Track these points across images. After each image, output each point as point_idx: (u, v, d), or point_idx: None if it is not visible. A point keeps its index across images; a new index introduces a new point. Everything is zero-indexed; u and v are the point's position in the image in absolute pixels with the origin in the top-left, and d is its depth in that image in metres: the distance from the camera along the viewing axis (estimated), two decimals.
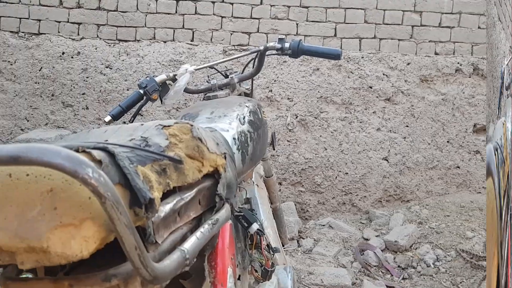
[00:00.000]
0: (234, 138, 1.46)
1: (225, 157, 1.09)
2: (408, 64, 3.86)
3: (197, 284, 1.01)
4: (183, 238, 0.88)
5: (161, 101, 1.86)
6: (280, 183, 3.78)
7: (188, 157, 0.93)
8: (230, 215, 1.03)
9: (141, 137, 0.87)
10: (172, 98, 1.90)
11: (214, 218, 0.96)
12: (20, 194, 0.62)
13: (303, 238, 3.37)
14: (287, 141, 3.84)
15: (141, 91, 1.78)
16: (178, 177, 0.87)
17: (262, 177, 2.23)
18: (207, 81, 2.04)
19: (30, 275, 0.78)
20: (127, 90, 3.88)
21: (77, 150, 0.66)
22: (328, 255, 3.06)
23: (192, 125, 0.98)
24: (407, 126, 3.87)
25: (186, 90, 2.00)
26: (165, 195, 0.82)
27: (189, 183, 0.92)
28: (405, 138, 3.88)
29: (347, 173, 3.85)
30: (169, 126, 0.94)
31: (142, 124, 0.98)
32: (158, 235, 0.77)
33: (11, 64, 3.92)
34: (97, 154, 0.66)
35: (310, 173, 3.84)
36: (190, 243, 0.82)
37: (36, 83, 3.93)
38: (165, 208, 0.82)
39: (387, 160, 3.87)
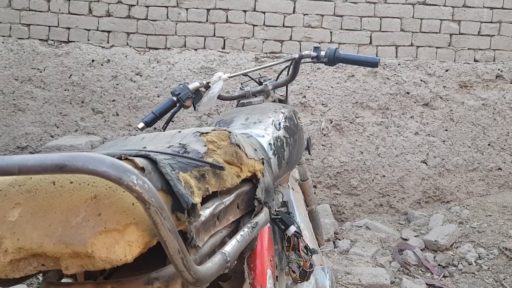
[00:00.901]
0: (270, 144, 1.46)
1: (262, 162, 1.10)
2: (447, 70, 3.81)
3: (236, 286, 1.01)
4: (223, 242, 0.89)
5: (195, 108, 1.87)
6: (315, 186, 3.76)
7: (226, 163, 0.94)
8: (269, 218, 1.03)
9: (179, 144, 0.89)
10: (205, 105, 1.91)
11: (253, 221, 0.96)
12: (64, 201, 0.64)
13: (340, 239, 3.34)
14: (322, 145, 3.82)
15: (174, 98, 1.80)
16: (217, 182, 0.88)
17: (298, 180, 2.23)
18: (240, 88, 2.05)
19: (70, 280, 0.80)
20: (158, 97, 3.94)
21: (120, 158, 0.68)
22: (365, 255, 3.02)
23: (230, 132, 0.99)
24: (446, 130, 3.81)
25: (220, 97, 2.01)
26: (205, 200, 0.83)
27: (228, 188, 0.92)
28: (444, 141, 3.81)
29: (384, 176, 3.80)
30: (207, 133, 0.95)
31: (179, 131, 1.00)
32: (199, 238, 0.78)
33: (41, 72, 4.03)
34: (140, 161, 0.68)
35: (345, 176, 3.81)
36: (231, 246, 0.82)
37: (65, 90, 4.02)
38: (205, 213, 0.83)
39: (425, 163, 3.80)
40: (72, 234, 0.61)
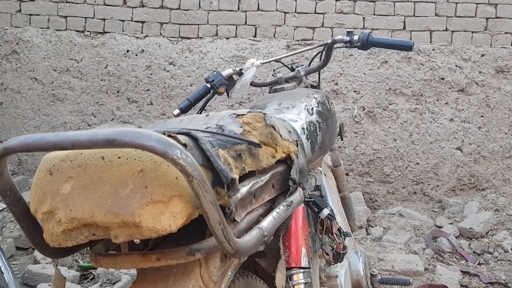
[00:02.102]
0: (303, 128, 1.47)
1: (297, 144, 1.12)
2: (483, 55, 3.72)
3: (272, 263, 1.04)
4: (258, 220, 0.92)
5: (228, 94, 1.90)
6: (347, 174, 3.76)
7: (262, 144, 0.96)
8: (303, 198, 1.05)
9: (216, 125, 0.92)
10: (238, 92, 1.94)
11: (288, 200, 0.99)
12: (113, 174, 0.68)
13: (372, 227, 3.34)
14: (354, 132, 3.81)
15: (208, 85, 1.83)
16: (253, 162, 0.91)
17: (330, 167, 2.24)
18: (272, 75, 2.06)
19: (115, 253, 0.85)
20: (190, 86, 3.99)
21: (163, 134, 0.72)
22: (398, 242, 3.01)
23: (265, 114, 1.01)
24: (482, 116, 3.73)
25: (252, 84, 2.04)
26: (241, 179, 0.86)
27: (263, 168, 0.95)
28: (480, 128, 3.73)
29: (418, 163, 3.76)
30: (242, 114, 0.98)
31: (215, 114, 1.03)
32: (237, 214, 0.81)
33: (78, 62, 4.14)
34: (182, 138, 0.71)
35: (378, 163, 3.79)
36: (267, 222, 0.85)
37: (102, 80, 4.13)
38: (242, 190, 0.86)
39: (460, 150, 3.74)
40: (121, 205, 0.66)
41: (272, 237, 0.90)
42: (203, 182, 0.64)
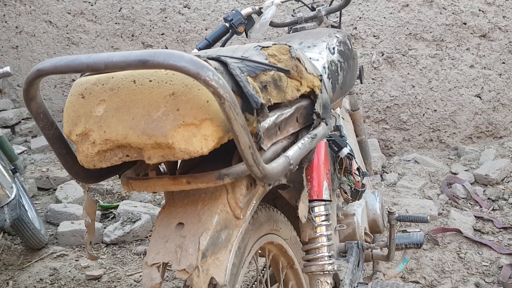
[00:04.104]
0: (324, 67, 1.46)
1: (321, 79, 1.11)
2: None
3: (294, 194, 1.06)
4: (283, 151, 0.93)
5: (246, 34, 1.88)
6: (363, 121, 3.74)
7: (286, 77, 0.96)
8: (326, 133, 1.06)
9: (242, 56, 0.92)
10: (257, 32, 1.91)
11: (312, 133, 1.00)
12: (145, 97, 0.69)
13: (387, 173, 3.36)
14: (372, 79, 3.76)
15: (227, 25, 1.80)
16: (278, 94, 0.91)
17: (348, 111, 2.23)
18: (292, 15, 2.03)
19: None
20: (206, 30, 3.93)
21: None
22: (413, 188, 3.04)
23: (290, 46, 1.00)
24: (503, 63, 3.64)
25: (272, 24, 2.00)
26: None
27: (288, 100, 0.96)
28: (500, 75, 3.65)
29: (435, 110, 3.72)
30: (267, 47, 0.97)
31: (240, 46, 1.03)
32: (263, 143, 0.82)
33: (92, 5, 4.09)
34: (212, 63, 0.71)
35: (395, 110, 3.76)
36: (293, 151, 0.86)
37: (116, 23, 4.08)
38: (268, 121, 0.87)
39: (479, 97, 3.68)
40: (154, 127, 0.67)
41: (296, 167, 0.91)
42: (234, 105, 0.64)
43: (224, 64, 0.73)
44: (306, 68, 1.02)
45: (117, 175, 0.89)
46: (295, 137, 1.02)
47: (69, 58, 0.65)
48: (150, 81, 0.69)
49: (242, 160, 0.74)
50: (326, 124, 1.11)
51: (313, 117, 1.05)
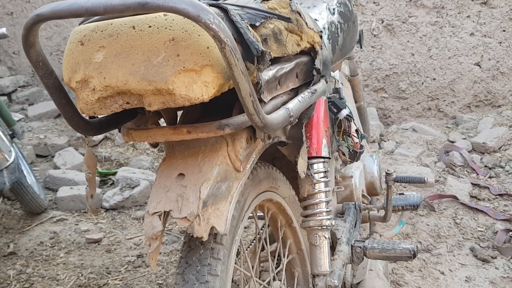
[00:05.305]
0: (324, 28, 1.45)
1: (321, 36, 1.11)
2: None
3: (294, 151, 1.07)
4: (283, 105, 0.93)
5: None
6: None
7: (287, 31, 0.95)
8: (326, 90, 1.06)
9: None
10: None
11: (312, 88, 0.99)
12: (144, 43, 0.68)
13: (385, 141, 3.36)
14: (371, 47, 3.73)
15: None
16: (278, 48, 0.90)
17: (347, 76, 2.22)
18: None
19: None
20: None
21: None
22: (410, 156, 3.05)
23: (290, 0, 0.99)
24: (504, 30, 3.61)
25: None
26: None
27: (288, 55, 0.95)
28: (500, 43, 3.63)
29: (434, 79, 3.70)
30: (268, 0, 0.96)
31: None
32: (263, 95, 0.82)
33: None
34: (212, 9, 0.70)
35: (394, 79, 3.74)
36: (293, 104, 0.86)
37: None
38: (268, 74, 0.86)
39: (479, 66, 3.66)
40: (154, 72, 0.66)
41: (296, 120, 0.91)
42: (234, 50, 0.64)
43: (225, 11, 0.72)
44: (306, 23, 1.01)
45: (117, 129, 0.89)
46: (295, 93, 1.01)
47: (68, 2, 0.64)
48: (150, 26, 0.68)
49: (243, 111, 0.74)
50: (326, 82, 1.11)
51: (313, 74, 1.04)
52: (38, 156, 3.33)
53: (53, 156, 3.21)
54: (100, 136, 3.37)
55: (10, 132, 2.37)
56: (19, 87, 4.25)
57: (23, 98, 4.17)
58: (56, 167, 3.03)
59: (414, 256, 1.23)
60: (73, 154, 3.13)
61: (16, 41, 4.28)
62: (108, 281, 1.98)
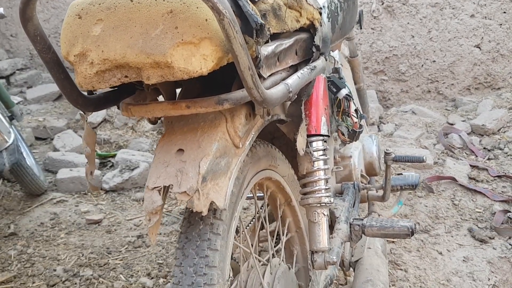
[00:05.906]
0: (323, 6, 1.43)
1: (320, 13, 1.10)
2: None
3: (293, 128, 1.07)
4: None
5: None
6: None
7: (286, 6, 0.94)
8: (325, 67, 1.05)
9: None
10: None
11: (312, 65, 0.99)
12: (142, 15, 0.68)
13: (384, 123, 3.36)
14: (371, 28, 3.70)
15: None
16: (277, 24, 0.90)
17: (347, 57, 2.21)
18: None
19: None
20: None
21: None
22: (409, 138, 3.06)
23: None
24: (504, 12, 3.58)
25: None
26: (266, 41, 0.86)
27: (287, 31, 0.94)
28: (501, 25, 3.60)
29: (434, 61, 3.69)
30: None
31: None
32: (262, 70, 0.82)
33: None
34: None
35: (394, 61, 3.72)
36: (292, 79, 0.86)
37: None
38: (267, 49, 0.86)
39: (479, 48, 3.65)
40: (152, 45, 0.66)
41: (295, 96, 0.91)
42: (233, 22, 0.63)
43: None
44: None
45: (116, 106, 0.89)
46: (294, 70, 1.01)
47: None
48: None
49: (242, 86, 0.74)
50: (326, 59, 1.10)
51: (312, 51, 1.04)
52: (37, 138, 3.33)
53: (52, 139, 3.21)
54: (99, 119, 3.36)
55: (9, 114, 2.36)
56: (18, 70, 4.23)
57: (22, 81, 4.15)
58: (55, 150, 3.03)
59: (412, 233, 1.23)
60: (72, 136, 3.13)
61: (13, 23, 4.25)
62: (108, 260, 1.99)
